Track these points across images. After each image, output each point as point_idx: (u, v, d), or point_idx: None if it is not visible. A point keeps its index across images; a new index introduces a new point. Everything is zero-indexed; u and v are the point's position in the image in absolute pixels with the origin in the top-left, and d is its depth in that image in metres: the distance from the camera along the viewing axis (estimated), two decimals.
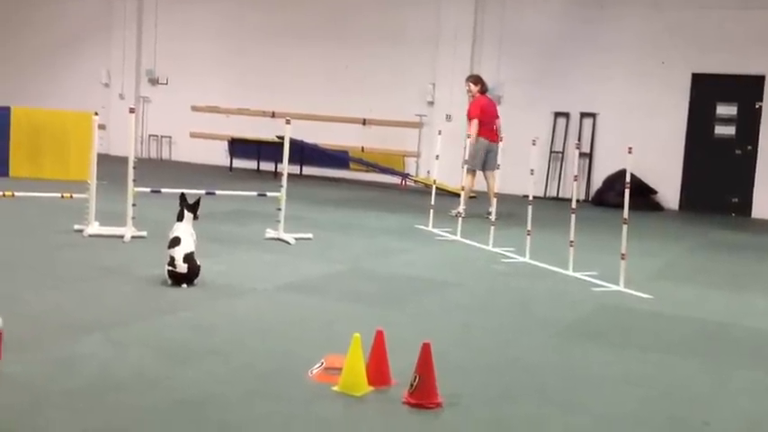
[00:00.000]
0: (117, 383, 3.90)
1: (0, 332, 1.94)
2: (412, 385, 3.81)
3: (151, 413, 3.57)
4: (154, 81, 18.61)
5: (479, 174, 11.38)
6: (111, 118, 17.80)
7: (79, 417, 3.49)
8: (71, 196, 8.96)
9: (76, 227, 8.04)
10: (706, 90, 14.18)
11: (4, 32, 19.91)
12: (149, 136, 18.58)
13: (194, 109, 18.10)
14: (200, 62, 17.96)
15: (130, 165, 7.86)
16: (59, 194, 9.08)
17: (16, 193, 9.35)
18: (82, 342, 4.53)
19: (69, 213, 8.52)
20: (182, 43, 18.13)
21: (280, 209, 8.38)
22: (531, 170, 8.65)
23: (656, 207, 14.08)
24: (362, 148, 16.45)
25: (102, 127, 8.63)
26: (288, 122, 8.66)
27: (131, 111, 8.07)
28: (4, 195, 9.26)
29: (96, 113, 8.41)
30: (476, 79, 11.79)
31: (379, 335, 4.06)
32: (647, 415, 3.97)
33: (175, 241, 6.06)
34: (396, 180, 15.84)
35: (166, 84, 18.52)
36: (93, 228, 7.98)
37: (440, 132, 10.87)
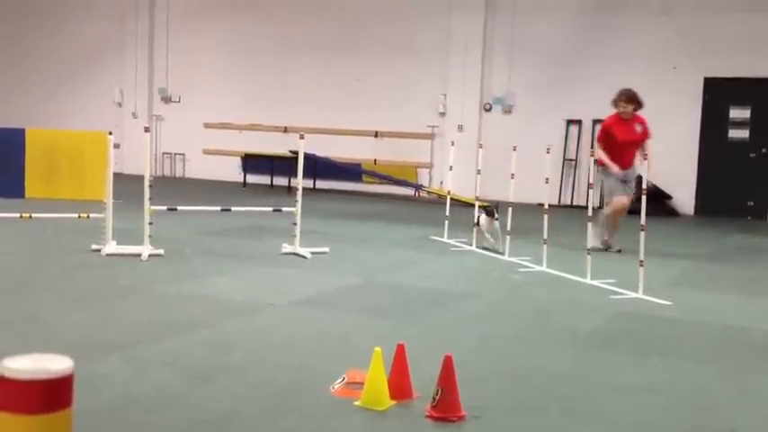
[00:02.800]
0: (137, 402, 3.91)
1: (72, 375, 1.93)
2: (434, 398, 3.79)
3: None
4: (166, 99, 18.72)
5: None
6: (125, 137, 17.91)
7: None
8: (88, 216, 9.01)
9: (94, 246, 8.08)
10: (718, 94, 14.13)
11: (16, 54, 20.09)
12: (163, 154, 18.68)
13: (207, 126, 18.19)
14: (211, 79, 18.06)
15: (146, 183, 7.90)
16: (76, 214, 9.13)
17: (33, 215, 9.41)
18: (101, 362, 4.54)
19: (86, 233, 8.57)
20: (193, 61, 18.24)
21: (295, 223, 8.40)
22: (546, 179, 8.63)
23: (672, 212, 14.02)
24: (375, 160, 16.47)
25: (116, 146, 8.68)
26: (302, 137, 8.68)
27: (146, 130, 8.12)
28: (21, 217, 9.32)
29: (111, 133, 8.46)
30: (629, 97, 9.64)
31: (401, 348, 4.04)
32: (671, 423, 3.93)
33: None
34: (409, 192, 15.84)
35: (179, 102, 18.63)
36: (111, 247, 8.02)
37: (453, 143, 10.87)
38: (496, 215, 8.99)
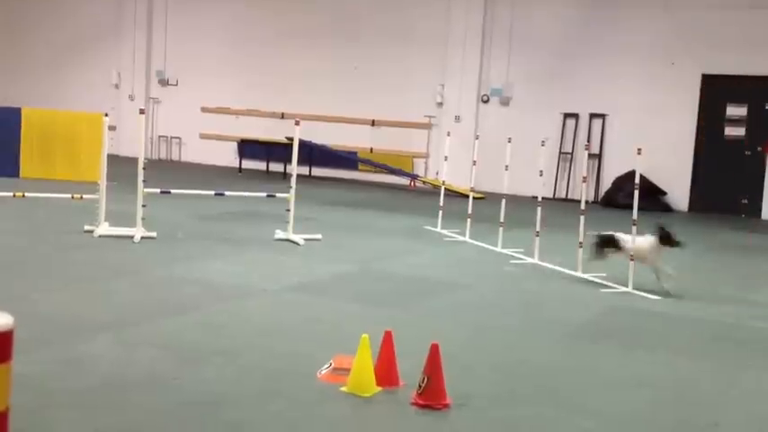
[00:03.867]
0: (127, 383, 3.92)
1: (11, 331, 1.97)
2: (420, 386, 3.81)
3: (161, 413, 3.59)
4: (164, 82, 18.66)
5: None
6: (121, 119, 17.87)
7: (89, 416, 3.51)
8: (81, 197, 8.99)
9: (87, 227, 8.08)
10: (716, 91, 14.14)
11: (15, 35, 20.00)
12: (159, 137, 18.64)
13: (204, 110, 18.15)
14: (209, 63, 18.00)
15: (140, 166, 7.89)
16: (70, 195, 9.11)
17: (27, 194, 9.39)
18: (92, 342, 4.55)
19: (80, 214, 8.56)
20: (191, 45, 18.18)
21: (289, 210, 8.40)
22: (540, 171, 8.64)
23: (666, 208, 14.03)
24: (371, 149, 16.45)
25: (112, 128, 8.65)
26: (297, 123, 8.68)
27: (141, 112, 8.12)
28: (14, 196, 9.30)
29: (107, 114, 8.44)
30: None
31: (388, 336, 4.06)
32: (656, 416, 3.96)
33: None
34: (404, 181, 15.84)
35: (176, 85, 18.57)
36: (104, 228, 8.02)
37: (449, 133, 10.87)
38: (677, 240, 6.79)
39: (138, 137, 8.11)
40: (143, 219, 7.90)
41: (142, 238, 7.81)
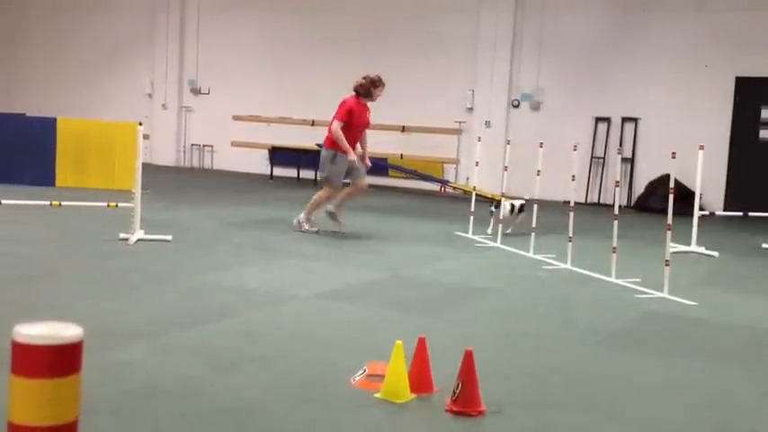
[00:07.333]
0: (162, 390, 3.96)
1: (82, 342, 2.00)
2: (455, 393, 3.81)
3: (195, 420, 3.62)
4: (196, 91, 18.84)
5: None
6: (155, 128, 18.05)
7: (124, 423, 3.56)
8: (116, 205, 9.11)
9: (122, 235, 8.17)
10: (750, 94, 13.97)
11: (51, 47, 20.34)
12: (191, 145, 18.80)
13: (235, 118, 18.28)
14: (241, 72, 18.15)
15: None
16: (105, 203, 9.23)
17: (63, 203, 9.52)
18: (128, 349, 4.60)
19: (115, 222, 8.67)
20: (223, 54, 18.34)
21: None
22: (573, 176, 8.59)
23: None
24: (401, 155, 16.47)
25: (145, 137, 8.75)
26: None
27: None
28: (51, 205, 9.44)
29: (141, 123, 8.55)
30: None
31: (422, 342, 4.06)
32: (693, 424, 3.92)
33: None
34: (435, 187, 15.83)
35: (208, 94, 18.74)
36: (138, 236, 8.11)
37: (479, 139, 10.85)
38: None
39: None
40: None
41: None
